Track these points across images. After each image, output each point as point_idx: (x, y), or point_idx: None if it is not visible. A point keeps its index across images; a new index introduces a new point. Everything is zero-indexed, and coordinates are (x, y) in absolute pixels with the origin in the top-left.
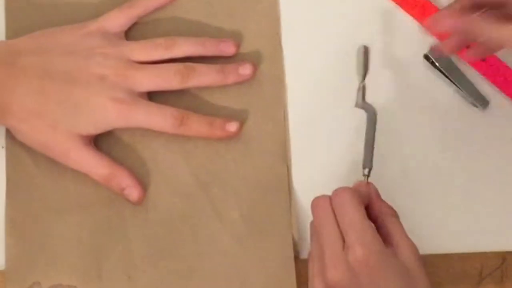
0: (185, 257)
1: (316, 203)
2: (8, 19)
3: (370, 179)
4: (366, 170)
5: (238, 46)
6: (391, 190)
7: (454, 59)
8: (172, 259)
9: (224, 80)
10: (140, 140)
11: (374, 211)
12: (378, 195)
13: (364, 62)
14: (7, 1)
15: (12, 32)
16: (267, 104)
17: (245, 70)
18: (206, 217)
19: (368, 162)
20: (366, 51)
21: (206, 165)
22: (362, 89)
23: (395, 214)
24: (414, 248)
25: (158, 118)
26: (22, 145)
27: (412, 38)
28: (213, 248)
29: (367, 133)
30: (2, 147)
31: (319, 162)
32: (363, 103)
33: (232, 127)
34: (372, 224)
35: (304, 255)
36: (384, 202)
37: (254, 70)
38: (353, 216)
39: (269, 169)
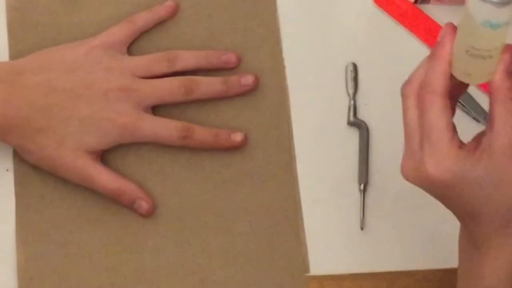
0: (197, 270)
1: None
2: (11, 40)
3: (368, 194)
4: (362, 186)
5: (240, 58)
6: (392, 205)
7: None
8: (184, 271)
9: (227, 92)
10: (147, 155)
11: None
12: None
13: (354, 80)
14: (10, 22)
15: (16, 52)
16: (271, 114)
17: (248, 81)
18: (216, 229)
19: (363, 177)
20: (355, 69)
21: (214, 177)
22: (353, 107)
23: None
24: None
25: (163, 131)
26: (30, 164)
27: (410, 52)
28: (224, 260)
29: (360, 149)
30: (7, 170)
31: (323, 172)
32: (355, 120)
33: (237, 137)
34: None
35: (313, 270)
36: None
37: (256, 81)
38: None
39: (276, 177)
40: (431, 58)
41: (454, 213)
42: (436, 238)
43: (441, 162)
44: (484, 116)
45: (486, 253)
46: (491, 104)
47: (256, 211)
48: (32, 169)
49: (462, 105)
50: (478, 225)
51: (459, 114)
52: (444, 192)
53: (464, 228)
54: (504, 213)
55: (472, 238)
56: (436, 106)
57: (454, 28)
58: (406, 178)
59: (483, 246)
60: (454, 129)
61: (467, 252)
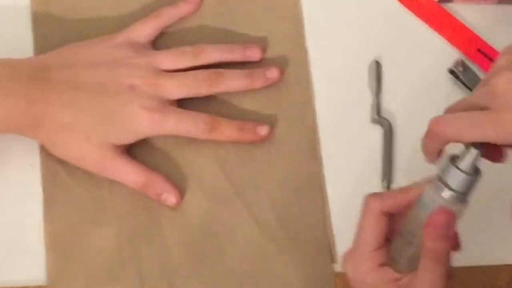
0: (224, 261)
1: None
2: (36, 35)
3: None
4: (385, 183)
5: (264, 51)
6: None
7: (479, 72)
8: (212, 264)
9: (252, 85)
10: (173, 148)
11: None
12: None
13: (377, 78)
14: (34, 18)
15: (41, 47)
16: (296, 106)
17: (272, 73)
18: (242, 221)
19: (386, 175)
20: (378, 67)
21: (239, 169)
22: (376, 105)
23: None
24: None
25: (189, 124)
26: (57, 159)
27: (436, 52)
28: (252, 250)
29: (384, 147)
30: (32, 165)
31: (348, 168)
32: (378, 118)
33: (263, 130)
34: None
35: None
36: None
37: (281, 74)
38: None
39: (302, 170)
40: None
41: None
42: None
43: (355, 269)
44: None
45: None
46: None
47: (282, 204)
48: (59, 163)
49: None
50: None
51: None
52: None
53: None
54: None
55: None
56: (370, 217)
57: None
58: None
59: None
60: (381, 245)
61: None
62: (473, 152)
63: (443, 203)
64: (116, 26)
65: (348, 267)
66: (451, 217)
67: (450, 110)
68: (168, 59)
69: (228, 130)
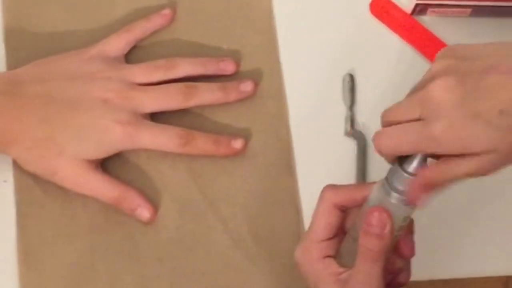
0: (199, 276)
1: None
2: (8, 50)
3: None
4: None
5: (237, 64)
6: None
7: None
8: (186, 278)
9: (226, 98)
10: (147, 162)
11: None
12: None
13: (351, 91)
14: (7, 33)
15: (13, 62)
16: (270, 120)
17: (246, 87)
18: (216, 235)
19: None
20: (351, 79)
21: (213, 183)
22: (350, 118)
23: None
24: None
25: (163, 138)
26: (30, 174)
27: (410, 64)
28: (227, 264)
29: (357, 160)
30: (5, 181)
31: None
32: (352, 131)
33: (238, 144)
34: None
35: None
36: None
37: (255, 87)
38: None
39: (276, 183)
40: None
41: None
42: (432, 248)
43: (302, 256)
44: None
45: None
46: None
47: (257, 218)
48: (32, 178)
49: None
50: None
51: None
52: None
53: None
54: None
55: None
56: (322, 207)
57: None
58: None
59: None
60: (330, 237)
61: None
62: (419, 156)
63: (388, 203)
64: (89, 40)
65: (298, 253)
66: (385, 217)
67: (387, 116)
68: (141, 73)
69: (202, 144)
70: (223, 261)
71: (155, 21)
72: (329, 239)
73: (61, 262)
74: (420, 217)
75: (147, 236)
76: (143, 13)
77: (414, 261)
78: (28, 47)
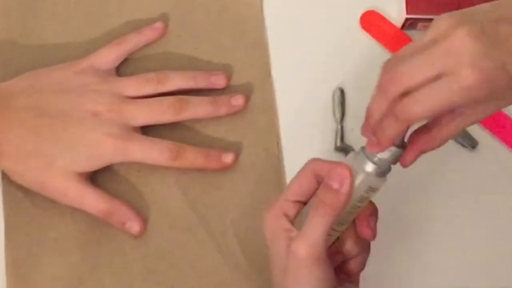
0: None
1: None
2: None
3: None
4: None
5: (229, 78)
6: (383, 234)
7: None
8: None
9: (217, 112)
10: (137, 175)
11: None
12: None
13: (341, 105)
14: None
15: (4, 74)
16: (260, 134)
17: (237, 101)
18: (206, 249)
19: None
20: (341, 94)
21: (203, 197)
22: (340, 132)
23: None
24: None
25: (153, 151)
26: (19, 186)
27: None
28: (215, 279)
29: None
30: None
31: None
32: (342, 145)
33: (228, 158)
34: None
35: None
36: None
37: (246, 101)
38: None
39: (267, 198)
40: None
41: None
42: (430, 267)
43: (267, 210)
44: (469, 142)
45: None
46: None
47: (246, 232)
48: (21, 190)
49: None
50: None
51: None
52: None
53: None
54: None
55: None
56: (301, 172)
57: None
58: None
59: None
60: (296, 200)
61: None
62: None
63: (358, 170)
64: (80, 52)
65: (265, 210)
66: (346, 174)
67: (402, 79)
68: (132, 86)
69: (192, 158)
70: (213, 275)
71: (147, 34)
72: (297, 202)
73: (49, 275)
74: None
75: (136, 249)
76: (135, 26)
77: None
78: (19, 59)
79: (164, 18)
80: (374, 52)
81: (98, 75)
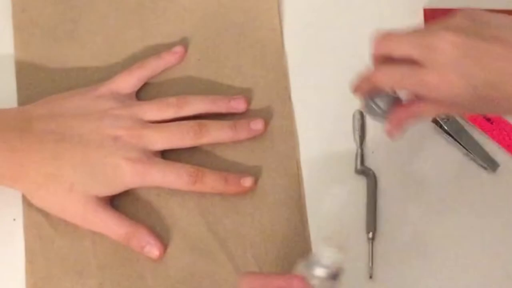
0: None
1: None
2: (20, 86)
3: (377, 243)
4: (370, 234)
5: (248, 102)
6: (400, 253)
7: (463, 122)
8: None
9: (236, 136)
10: (157, 199)
11: None
12: None
13: (361, 128)
14: (18, 68)
15: (24, 98)
16: (280, 158)
17: (257, 125)
18: (226, 273)
19: (371, 226)
20: (361, 117)
21: (223, 221)
22: (360, 155)
23: None
24: None
25: (173, 176)
26: (39, 210)
27: None
28: None
29: (368, 198)
30: (14, 220)
31: (332, 220)
32: (362, 168)
33: (247, 182)
34: None
35: None
36: None
37: (265, 125)
38: None
39: (286, 222)
40: None
41: None
42: (452, 285)
43: None
44: (490, 164)
45: None
46: None
47: (266, 256)
48: (42, 214)
49: (469, 152)
50: None
51: (466, 162)
52: None
53: None
54: None
55: None
56: None
57: None
58: None
59: None
60: None
61: None
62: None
63: (310, 279)
64: (100, 76)
65: None
66: (304, 285)
67: (386, 39)
68: (152, 110)
69: (212, 182)
70: None
71: (167, 59)
72: None
73: None
74: None
75: (156, 273)
76: (155, 51)
77: None
78: (40, 83)
79: (184, 43)
80: None
81: (118, 100)
